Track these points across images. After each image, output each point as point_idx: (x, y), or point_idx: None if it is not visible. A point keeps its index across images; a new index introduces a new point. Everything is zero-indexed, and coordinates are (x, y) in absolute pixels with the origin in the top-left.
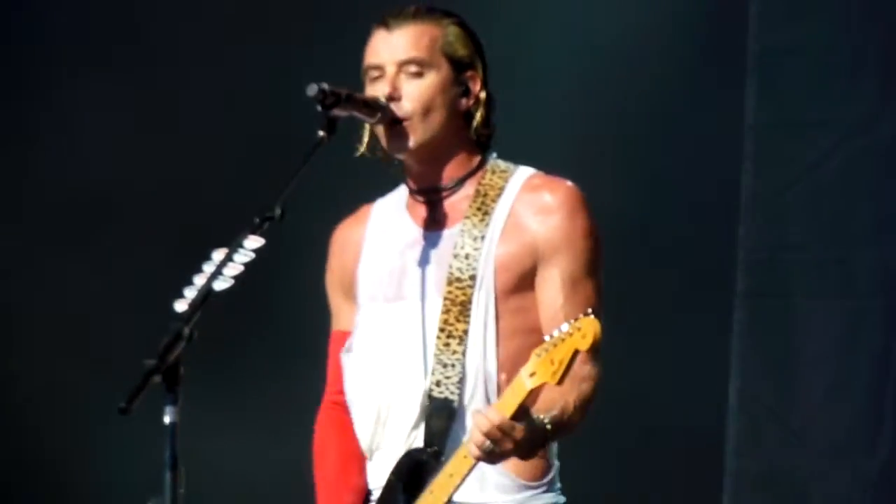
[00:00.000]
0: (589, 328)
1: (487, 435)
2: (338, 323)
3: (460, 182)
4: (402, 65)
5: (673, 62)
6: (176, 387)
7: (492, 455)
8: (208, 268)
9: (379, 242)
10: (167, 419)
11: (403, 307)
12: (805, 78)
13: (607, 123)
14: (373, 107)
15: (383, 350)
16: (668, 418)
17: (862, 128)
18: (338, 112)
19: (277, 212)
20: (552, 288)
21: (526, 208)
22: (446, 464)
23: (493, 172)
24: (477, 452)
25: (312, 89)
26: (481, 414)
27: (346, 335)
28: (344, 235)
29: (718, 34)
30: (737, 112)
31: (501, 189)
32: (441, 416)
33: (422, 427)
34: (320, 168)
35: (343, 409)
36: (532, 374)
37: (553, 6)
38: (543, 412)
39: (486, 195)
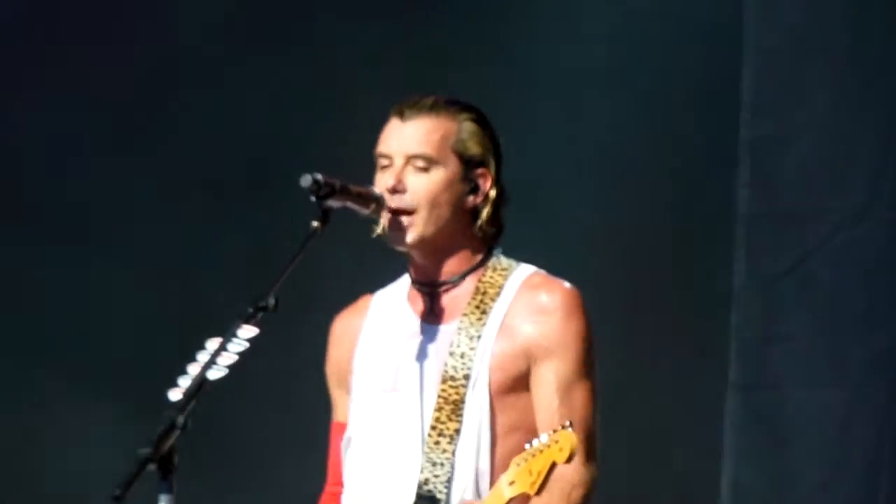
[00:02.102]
0: (566, 441)
1: None
2: (336, 414)
3: (461, 278)
4: (410, 158)
5: (665, 154)
6: (170, 475)
7: None
8: (203, 357)
9: (377, 332)
10: None
11: (398, 399)
12: (796, 167)
13: (597, 220)
14: (366, 198)
15: (377, 441)
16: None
17: (854, 218)
18: (332, 203)
19: (271, 301)
20: (547, 391)
21: (522, 308)
22: None
23: (495, 270)
24: None
25: (306, 180)
26: None
27: (343, 426)
28: (342, 326)
29: (710, 123)
30: (729, 201)
31: (501, 287)
32: None
33: None
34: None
35: (339, 501)
36: (511, 483)
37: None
38: None
39: (485, 293)
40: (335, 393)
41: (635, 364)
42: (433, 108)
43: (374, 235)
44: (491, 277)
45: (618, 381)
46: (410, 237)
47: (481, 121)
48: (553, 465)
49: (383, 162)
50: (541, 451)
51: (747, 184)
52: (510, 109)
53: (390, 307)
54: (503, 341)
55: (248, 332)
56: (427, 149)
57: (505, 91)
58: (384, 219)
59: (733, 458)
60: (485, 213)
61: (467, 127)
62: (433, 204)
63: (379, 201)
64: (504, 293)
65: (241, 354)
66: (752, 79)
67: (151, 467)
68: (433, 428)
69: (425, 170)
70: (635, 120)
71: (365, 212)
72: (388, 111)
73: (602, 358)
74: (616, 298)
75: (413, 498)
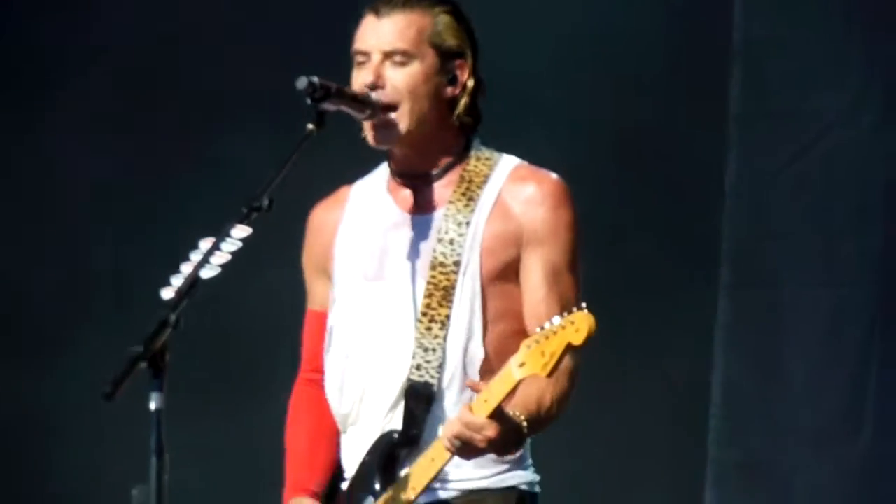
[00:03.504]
0: (583, 322)
1: (458, 437)
2: (312, 303)
3: (445, 168)
4: (387, 54)
5: (657, 53)
6: (162, 374)
7: (464, 452)
8: (195, 256)
9: (358, 222)
10: (153, 405)
11: (384, 287)
12: (788, 69)
13: (592, 117)
14: (362, 102)
15: (364, 328)
16: (651, 408)
17: (845, 117)
18: (327, 106)
19: (265, 202)
20: (535, 278)
21: (512, 198)
22: (427, 448)
23: (478, 159)
24: (450, 447)
25: (302, 82)
26: (455, 419)
27: (319, 315)
28: (321, 217)
29: (703, 25)
30: (721, 102)
31: (486, 176)
32: (420, 400)
33: (400, 408)
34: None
35: (318, 386)
36: (522, 365)
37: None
38: (521, 409)
39: (470, 181)
40: (312, 281)
41: (626, 265)
42: (407, 3)
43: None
44: (475, 166)
45: (607, 283)
46: (398, 134)
47: (456, 13)
48: (568, 347)
49: (360, 59)
50: (554, 333)
51: (739, 84)
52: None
53: (370, 198)
54: (494, 229)
55: (241, 231)
56: (403, 43)
57: None
58: (366, 126)
59: (724, 357)
60: (462, 103)
61: (443, 20)
62: (414, 97)
63: (374, 105)
64: (491, 182)
65: (233, 253)
66: None
67: (142, 365)
68: (424, 314)
69: (403, 64)
70: (627, 19)
71: (360, 116)
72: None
73: (591, 258)
74: (606, 199)
75: (404, 383)
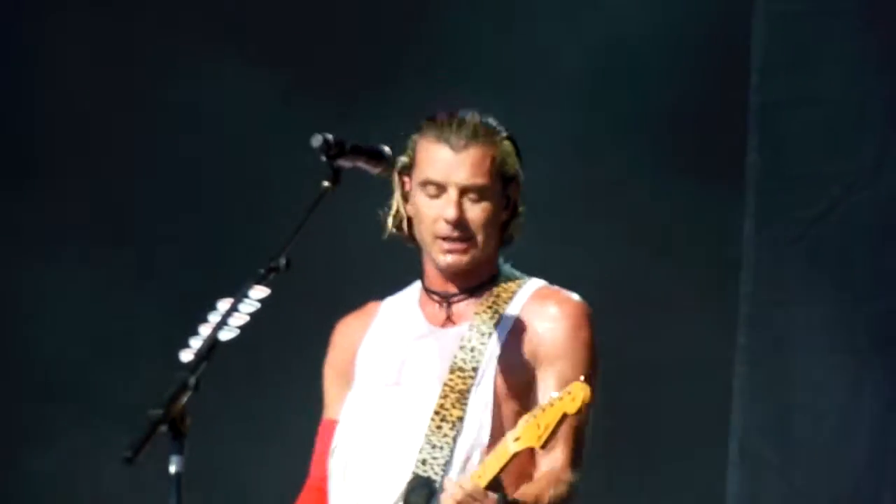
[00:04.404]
0: (579, 392)
1: (460, 503)
2: (328, 411)
3: (481, 286)
4: (465, 189)
5: (675, 116)
6: (182, 436)
7: None
8: (213, 318)
9: (384, 333)
10: (172, 469)
11: (401, 391)
12: (805, 131)
13: (608, 185)
14: (377, 157)
15: (375, 430)
16: (670, 474)
17: (863, 181)
18: (342, 162)
19: (283, 262)
20: (547, 392)
21: (533, 316)
22: None
23: (508, 279)
24: None
25: (317, 140)
26: (455, 482)
27: (334, 423)
28: (348, 328)
29: (720, 88)
30: (738, 167)
31: (514, 293)
32: (421, 494)
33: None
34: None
35: (323, 494)
36: (517, 439)
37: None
38: (518, 495)
39: (498, 296)
40: (331, 390)
41: (644, 330)
42: (476, 136)
43: (385, 237)
44: (504, 285)
45: (624, 345)
46: (468, 262)
47: (512, 138)
48: (563, 418)
49: (432, 190)
50: (551, 405)
51: (756, 149)
52: None
53: (400, 312)
54: (512, 343)
55: (259, 292)
56: (482, 179)
57: None
58: (438, 245)
59: (742, 424)
60: (514, 225)
61: (505, 147)
62: (488, 231)
63: (389, 161)
64: (516, 298)
65: (251, 315)
66: (762, 42)
67: (163, 429)
68: (437, 413)
69: (479, 199)
70: (645, 86)
71: (375, 171)
72: (424, 131)
73: (610, 318)
74: (624, 266)
75: (409, 476)
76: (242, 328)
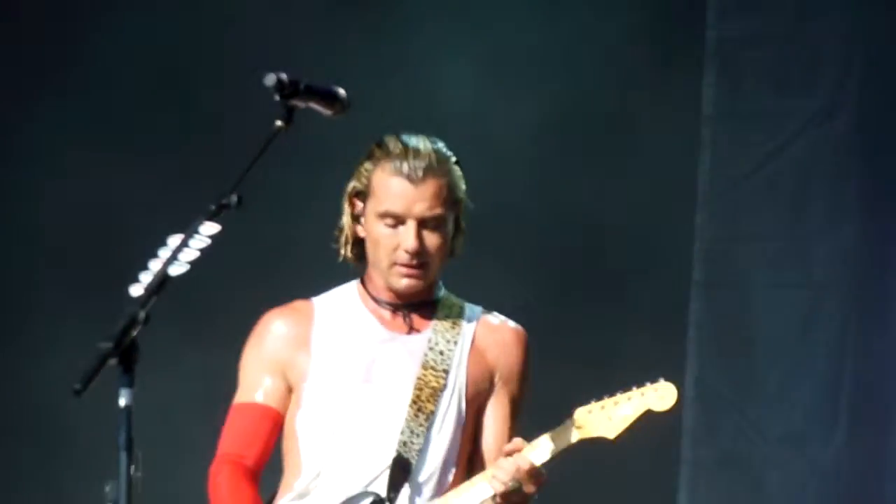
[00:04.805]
0: (670, 394)
1: (517, 474)
2: (247, 395)
3: (429, 299)
4: (423, 221)
5: (631, 53)
6: (132, 369)
7: (510, 496)
8: (164, 253)
9: (338, 334)
10: (122, 402)
11: (372, 388)
12: (762, 68)
13: (565, 119)
14: (331, 99)
15: (350, 423)
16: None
17: (819, 118)
18: (296, 102)
19: (234, 199)
20: (502, 413)
21: (488, 340)
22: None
23: (447, 295)
24: (501, 489)
25: (271, 79)
26: (512, 460)
27: (262, 407)
28: (285, 324)
29: (677, 24)
30: (694, 102)
31: (461, 310)
32: (402, 472)
33: (381, 477)
34: None
35: (244, 469)
36: (579, 427)
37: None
38: None
39: (450, 307)
40: (255, 376)
41: (599, 264)
42: (432, 165)
43: (340, 260)
44: (446, 299)
45: (580, 281)
46: (423, 284)
47: (457, 161)
48: (646, 413)
49: (390, 221)
50: (628, 399)
51: (713, 84)
52: None
53: (347, 316)
54: (475, 363)
55: (210, 228)
56: (439, 210)
57: None
58: (395, 270)
59: (697, 359)
60: (459, 243)
61: (455, 171)
62: (441, 254)
63: (343, 102)
64: (467, 316)
65: (201, 251)
66: None
67: (112, 362)
68: (414, 402)
69: (435, 228)
70: (601, 19)
71: (328, 112)
72: (379, 160)
73: (566, 248)
74: (581, 205)
75: (392, 455)
76: (192, 263)
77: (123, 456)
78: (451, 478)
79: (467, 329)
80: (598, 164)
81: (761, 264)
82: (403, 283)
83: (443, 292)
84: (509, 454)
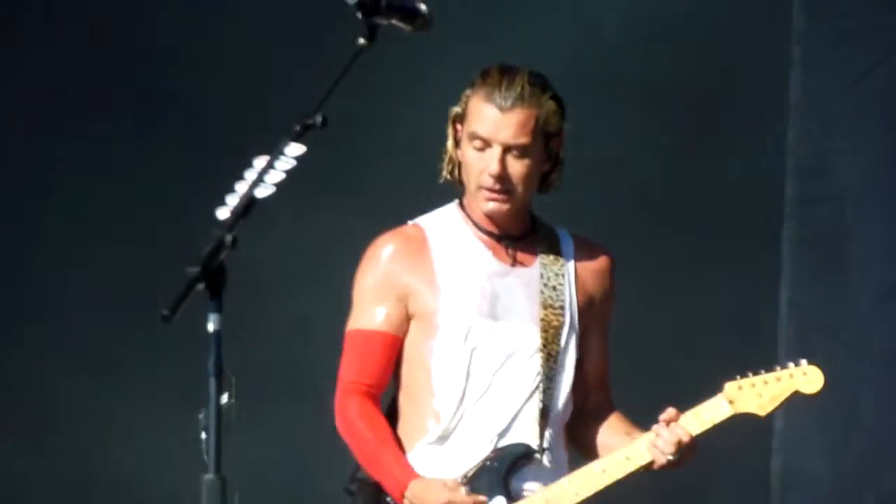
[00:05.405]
0: (818, 378)
1: (679, 445)
2: (375, 324)
3: (526, 230)
4: (508, 148)
5: None
6: (220, 293)
7: (670, 464)
8: (250, 175)
9: (456, 264)
10: (211, 327)
11: (504, 326)
12: None
13: (653, 31)
14: (412, 15)
15: (488, 359)
16: (718, 328)
17: None
18: (378, 20)
19: (318, 119)
20: (601, 339)
21: (587, 267)
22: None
23: (543, 225)
24: (663, 460)
25: None
26: (682, 426)
27: (385, 335)
28: (399, 252)
29: None
30: (785, 18)
31: (557, 239)
32: (545, 421)
33: (525, 426)
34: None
35: (376, 401)
36: (731, 402)
37: None
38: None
39: (547, 238)
40: (372, 303)
41: (691, 186)
42: (524, 96)
43: (441, 181)
44: (543, 230)
45: (673, 201)
46: (507, 210)
47: (556, 96)
48: (794, 395)
49: (478, 144)
50: (778, 380)
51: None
52: None
53: (459, 244)
54: (581, 293)
55: (295, 149)
56: (525, 138)
57: None
58: (481, 194)
59: (790, 276)
60: (554, 177)
61: (549, 106)
62: (527, 185)
63: (424, 17)
64: (564, 244)
65: (287, 172)
66: None
67: (200, 286)
68: (543, 347)
69: (521, 156)
70: None
71: (408, 28)
72: (476, 87)
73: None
74: (669, 117)
75: (538, 405)
76: (278, 185)
77: (213, 382)
78: (569, 414)
79: (568, 258)
80: (689, 77)
81: (854, 179)
82: (489, 206)
83: (539, 222)
84: (667, 424)
